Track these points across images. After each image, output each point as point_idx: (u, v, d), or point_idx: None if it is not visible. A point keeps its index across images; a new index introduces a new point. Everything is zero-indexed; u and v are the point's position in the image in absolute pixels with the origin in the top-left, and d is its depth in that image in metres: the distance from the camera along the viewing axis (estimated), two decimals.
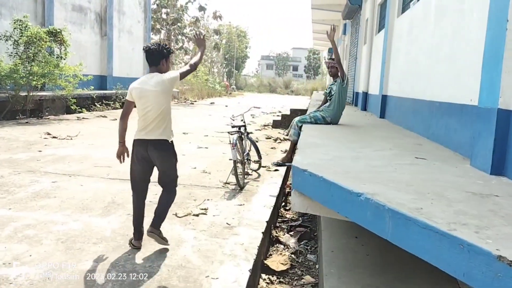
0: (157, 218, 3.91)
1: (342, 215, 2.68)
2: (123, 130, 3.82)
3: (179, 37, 30.36)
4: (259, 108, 7.49)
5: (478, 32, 3.84)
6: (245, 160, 6.87)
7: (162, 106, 3.67)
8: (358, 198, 2.46)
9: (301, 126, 6.26)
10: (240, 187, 6.41)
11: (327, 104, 6.56)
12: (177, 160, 4.05)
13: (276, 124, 15.28)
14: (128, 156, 3.94)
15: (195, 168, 7.70)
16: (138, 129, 3.79)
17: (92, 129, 12.18)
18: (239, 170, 6.67)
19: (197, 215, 5.12)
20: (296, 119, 6.25)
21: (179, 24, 28.54)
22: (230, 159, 7.68)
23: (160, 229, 3.97)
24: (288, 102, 34.68)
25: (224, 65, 64.18)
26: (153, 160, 3.82)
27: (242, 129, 6.93)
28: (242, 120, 7.47)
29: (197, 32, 4.50)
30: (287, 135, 6.56)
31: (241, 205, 5.69)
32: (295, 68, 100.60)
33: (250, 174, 7.31)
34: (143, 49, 3.78)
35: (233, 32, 63.41)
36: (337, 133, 5.59)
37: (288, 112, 15.79)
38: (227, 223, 4.91)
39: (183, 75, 3.82)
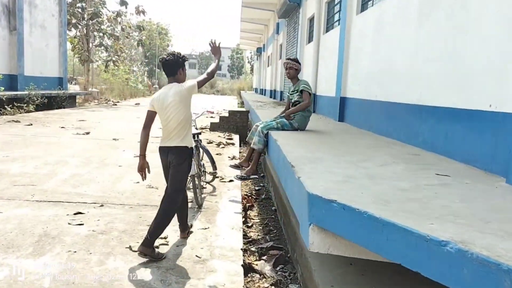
0: (149, 235, 3.74)
1: (407, 266, 1.97)
2: (144, 142, 3.91)
3: (96, 33, 28.11)
4: (212, 112, 6.62)
5: (493, 27, 3.39)
6: (201, 173, 5.99)
7: (182, 115, 3.80)
8: (442, 248, 1.76)
9: (267, 133, 5.53)
10: (199, 205, 5.53)
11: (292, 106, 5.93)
12: (189, 167, 4.11)
13: (214, 127, 14.39)
14: (149, 172, 3.99)
15: (138, 182, 6.64)
16: (161, 137, 3.96)
17: (3, 137, 10.39)
18: (197, 185, 5.80)
19: (157, 247, 4.16)
20: (260, 125, 5.50)
21: (97, 19, 26.36)
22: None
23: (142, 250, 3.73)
24: (217, 102, 33.82)
25: (145, 63, 61.45)
26: (174, 167, 3.89)
27: (197, 137, 6.04)
28: (194, 126, 6.56)
29: (213, 40, 4.36)
30: (246, 142, 5.79)
31: (205, 228, 4.82)
32: (219, 68, 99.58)
33: (204, 187, 6.43)
34: (160, 60, 3.85)
35: (154, 29, 60.87)
36: (316, 142, 4.95)
37: (227, 114, 14.96)
38: (196, 256, 4.02)
39: (200, 84, 3.91)
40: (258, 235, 5.83)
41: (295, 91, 5.78)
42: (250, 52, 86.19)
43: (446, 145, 4.05)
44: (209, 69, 4.08)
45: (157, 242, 4.22)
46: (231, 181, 7.07)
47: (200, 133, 5.98)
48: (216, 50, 4.27)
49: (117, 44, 29.75)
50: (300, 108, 5.67)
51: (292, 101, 5.86)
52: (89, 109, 21.13)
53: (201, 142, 6.29)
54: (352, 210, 2.22)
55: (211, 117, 6.61)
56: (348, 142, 4.93)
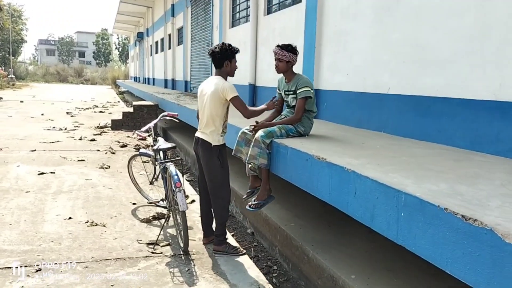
0: (216, 235, 3.99)
1: None
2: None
3: None
4: (176, 114, 4.94)
5: None
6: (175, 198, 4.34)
7: (209, 110, 3.79)
8: None
9: (270, 142, 4.09)
10: (185, 250, 3.90)
11: (287, 111, 4.51)
12: (225, 169, 3.96)
13: (116, 125, 12.14)
14: None
15: (70, 218, 4.65)
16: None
17: None
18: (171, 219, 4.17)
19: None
20: (260, 134, 4.02)
21: None
22: (151, 203, 4.98)
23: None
24: (93, 94, 30.17)
25: None
26: (201, 161, 3.94)
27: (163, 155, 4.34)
28: (150, 135, 4.79)
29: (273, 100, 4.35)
30: (235, 153, 4.29)
31: None
32: (82, 54, 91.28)
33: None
34: (208, 53, 3.93)
35: (4, 11, 52.38)
36: (340, 147, 3.71)
37: (131, 110, 12.77)
38: None
39: (236, 102, 3.76)
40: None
41: (291, 92, 4.34)
42: (118, 38, 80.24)
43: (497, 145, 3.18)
44: (252, 109, 4.03)
45: None
46: (193, 201, 5.47)
47: (173, 147, 4.25)
48: (271, 106, 4.27)
49: None
50: (288, 122, 4.29)
51: (289, 104, 4.43)
52: None
53: (166, 158, 4.53)
54: None
55: (174, 119, 4.80)
56: (392, 149, 3.81)
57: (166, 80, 19.77)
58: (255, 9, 8.61)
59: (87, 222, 4.56)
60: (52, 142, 9.32)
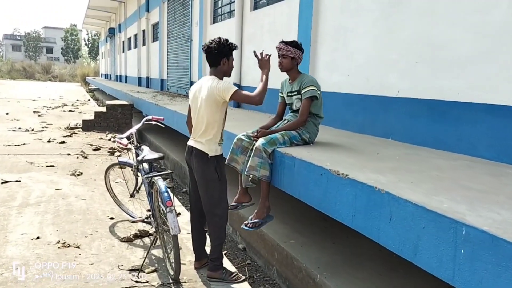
0: (210, 259, 3.46)
1: None
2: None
3: None
4: (162, 118, 4.37)
5: None
6: (162, 219, 3.77)
7: (205, 116, 3.26)
8: None
9: (272, 151, 3.59)
10: (176, 278, 3.36)
11: (290, 116, 4.02)
12: (223, 183, 3.40)
13: (88, 126, 11.34)
14: None
15: (38, 238, 4.02)
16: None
17: None
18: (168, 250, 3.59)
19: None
20: (261, 141, 3.52)
21: None
22: (134, 221, 4.36)
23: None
24: (62, 91, 28.84)
25: None
26: (195, 173, 3.41)
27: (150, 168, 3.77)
28: (131, 142, 4.20)
29: (261, 52, 3.54)
30: (229, 163, 3.79)
31: None
32: (50, 50, 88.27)
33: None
34: (202, 48, 3.36)
35: None
36: (354, 158, 3.25)
37: (104, 109, 11.99)
38: None
39: (240, 97, 3.27)
40: None
41: (294, 92, 3.88)
42: (87, 33, 77.80)
43: None
44: (257, 90, 3.25)
45: None
46: (178, 214, 4.90)
47: (161, 158, 3.66)
48: (264, 64, 3.47)
49: None
50: (291, 127, 3.81)
51: (293, 106, 3.95)
52: None
53: (153, 170, 3.95)
54: None
55: (160, 124, 4.20)
56: (413, 161, 3.37)
57: (140, 78, 18.95)
58: (241, 4, 8.08)
59: (58, 242, 3.93)
60: (18, 145, 8.52)
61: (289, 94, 3.91)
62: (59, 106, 17.67)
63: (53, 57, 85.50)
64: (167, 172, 3.62)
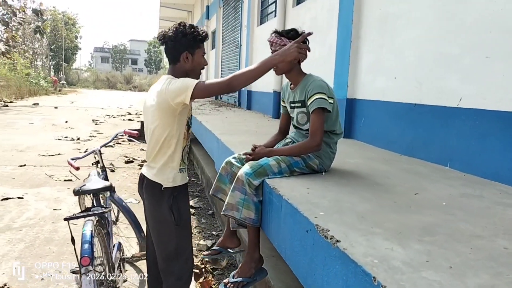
0: None
1: None
2: None
3: None
4: (135, 131, 3.52)
5: None
6: (116, 264, 2.83)
7: (158, 131, 2.28)
8: None
9: (259, 185, 2.51)
10: None
11: (294, 134, 2.88)
12: (183, 228, 2.40)
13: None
14: None
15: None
16: None
17: None
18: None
19: None
20: (245, 170, 2.45)
21: None
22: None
23: None
24: (134, 101, 29.68)
25: (50, 57, 54.32)
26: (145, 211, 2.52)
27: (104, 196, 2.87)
28: (96, 163, 3.34)
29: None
30: (214, 193, 2.72)
31: None
32: (135, 62, 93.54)
33: (125, 280, 3.25)
34: (158, 39, 2.35)
35: (59, 19, 54.04)
36: (372, 204, 2.07)
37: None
38: None
39: (202, 91, 2.13)
40: None
41: (297, 103, 2.74)
42: None
43: None
44: (236, 72, 2.18)
45: None
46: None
47: (108, 188, 2.70)
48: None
49: (8, 31, 24.49)
50: (297, 151, 2.66)
51: (296, 122, 2.83)
52: None
53: (113, 193, 3.08)
54: None
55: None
56: (472, 214, 2.11)
57: None
58: (283, 5, 7.05)
59: (4, 286, 3.16)
60: (52, 155, 8.19)
61: (292, 105, 2.81)
62: (122, 115, 17.81)
63: (138, 68, 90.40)
64: (101, 212, 2.53)
